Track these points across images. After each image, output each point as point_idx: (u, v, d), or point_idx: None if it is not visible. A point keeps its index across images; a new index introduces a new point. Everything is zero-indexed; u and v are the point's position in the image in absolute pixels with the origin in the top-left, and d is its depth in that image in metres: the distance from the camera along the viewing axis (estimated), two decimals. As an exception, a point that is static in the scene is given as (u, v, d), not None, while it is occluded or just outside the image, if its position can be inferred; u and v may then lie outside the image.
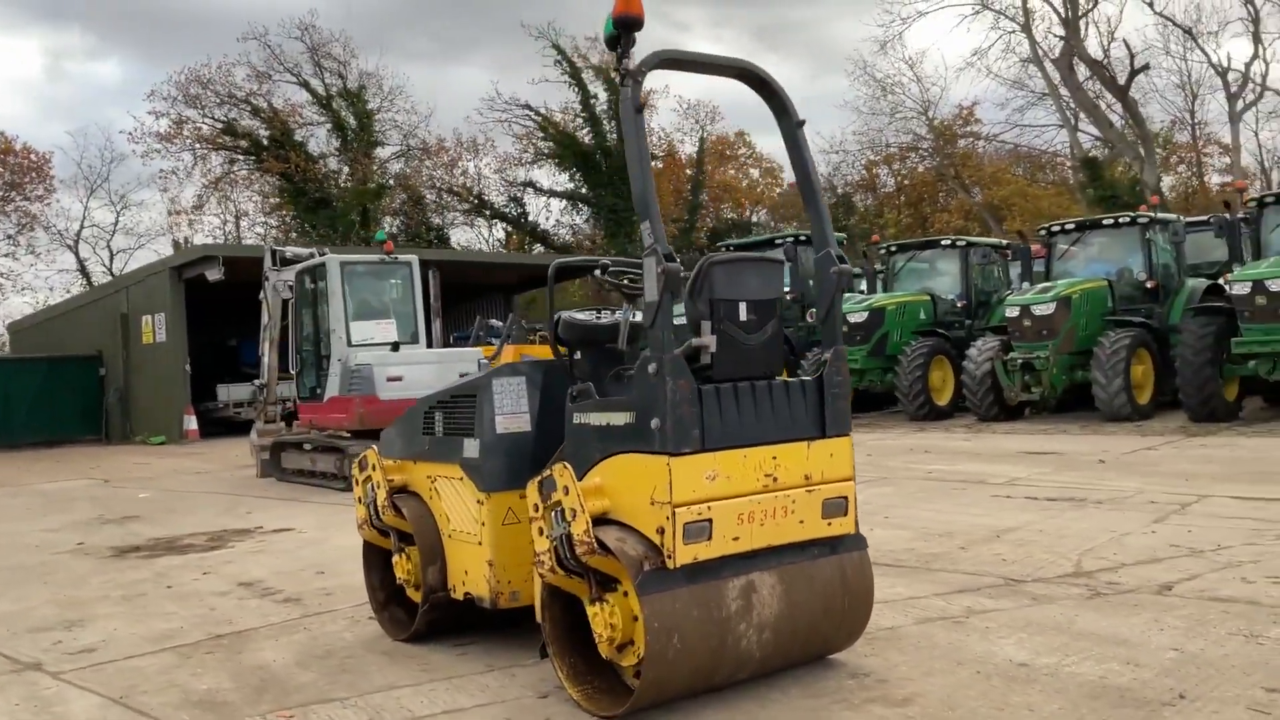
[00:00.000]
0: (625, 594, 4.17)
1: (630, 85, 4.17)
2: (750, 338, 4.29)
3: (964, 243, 17.86)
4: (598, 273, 4.96)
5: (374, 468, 5.54)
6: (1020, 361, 15.40)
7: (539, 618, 4.59)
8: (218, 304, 25.42)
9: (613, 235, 42.26)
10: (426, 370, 12.02)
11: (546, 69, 44.67)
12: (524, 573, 4.96)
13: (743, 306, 4.27)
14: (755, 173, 57.29)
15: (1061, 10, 38.35)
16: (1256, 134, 47.48)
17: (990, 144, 47.30)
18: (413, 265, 12.58)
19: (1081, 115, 41.50)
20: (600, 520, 4.17)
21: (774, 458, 4.27)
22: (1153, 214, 16.15)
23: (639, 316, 4.97)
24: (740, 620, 4.19)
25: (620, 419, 4.19)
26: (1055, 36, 39.22)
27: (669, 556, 3.98)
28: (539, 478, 4.36)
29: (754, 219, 54.13)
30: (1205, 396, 13.96)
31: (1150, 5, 40.36)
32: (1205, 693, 4.12)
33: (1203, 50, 42.41)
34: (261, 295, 14.97)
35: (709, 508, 4.06)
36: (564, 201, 46.61)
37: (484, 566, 4.95)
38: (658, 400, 4.00)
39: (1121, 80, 38.63)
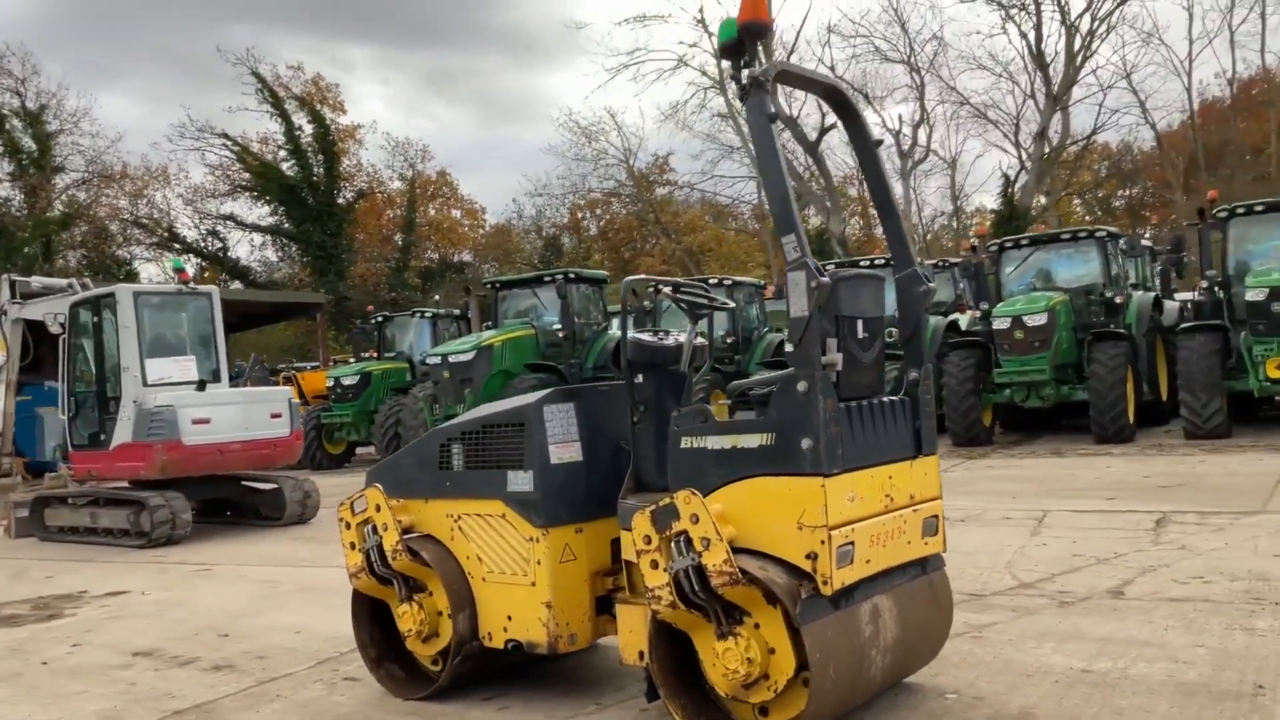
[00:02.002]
0: (757, 625, 3.97)
1: (758, 94, 4.02)
2: (865, 355, 4.23)
3: (730, 282, 18.53)
4: (667, 290, 4.75)
5: (376, 509, 4.97)
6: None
7: (637, 660, 4.31)
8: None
9: (322, 273, 40.58)
10: (233, 411, 11.02)
11: (246, 97, 42.62)
12: (581, 613, 4.64)
13: (859, 324, 4.20)
14: (457, 213, 56.98)
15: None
16: (915, 191, 52.54)
17: (690, 192, 49.57)
18: (212, 296, 11.46)
19: (772, 167, 44.25)
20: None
21: (890, 477, 4.22)
22: (735, 279, 17.78)
23: (701, 339, 4.84)
24: (871, 645, 4.10)
25: (753, 441, 3.99)
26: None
27: (825, 582, 3.83)
28: (651, 507, 4.07)
29: (457, 259, 53.64)
30: (969, 423, 15.18)
31: (831, 69, 43.78)
32: (1275, 682, 4.42)
33: (876, 111, 46.38)
34: (-4, 332, 13.18)
35: (853, 530, 3.95)
36: (266, 237, 44.39)
37: (540, 609, 4.55)
38: (809, 420, 3.84)
39: (812, 137, 41.63)
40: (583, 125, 47.78)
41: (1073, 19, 39.30)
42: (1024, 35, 40.57)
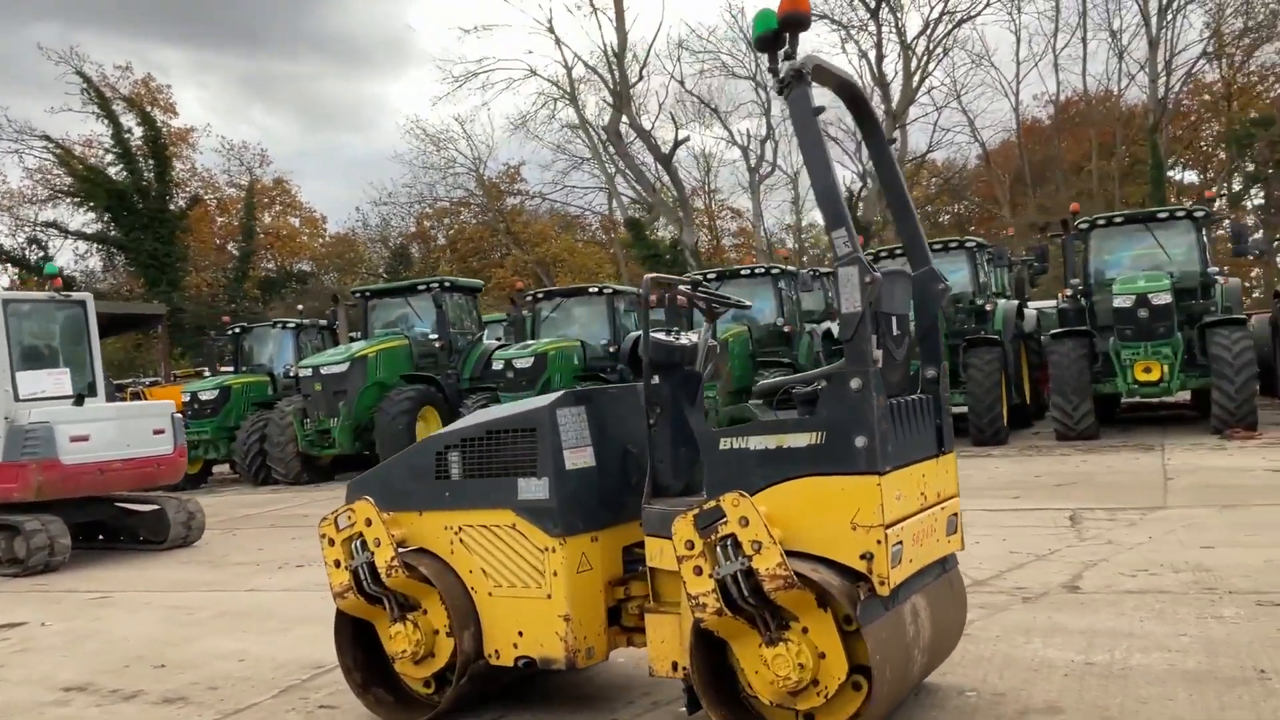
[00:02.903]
0: (805, 630, 3.86)
1: (800, 87, 3.93)
2: (898, 353, 4.19)
3: (610, 290, 18.45)
4: (684, 287, 4.62)
5: (367, 523, 4.65)
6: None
7: (670, 671, 4.18)
8: None
9: (154, 284, 38.59)
10: (113, 428, 10.27)
11: (70, 97, 40.35)
12: (597, 626, 4.47)
13: (894, 321, 4.15)
14: (296, 221, 55.21)
15: (611, 82, 40.99)
16: (759, 204, 53.65)
17: (540, 202, 49.31)
18: (86, 304, 10.65)
19: (620, 179, 44.56)
20: (780, 551, 3.83)
21: (923, 475, 4.19)
22: (614, 286, 18.26)
23: (714, 340, 4.73)
24: (914, 645, 4.06)
25: (801, 440, 3.89)
26: (606, 104, 41.82)
27: (881, 582, 3.75)
28: (694, 511, 3.92)
29: (298, 269, 51.86)
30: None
31: (681, 84, 44.30)
32: (1276, 666, 4.57)
33: (726, 127, 47.24)
34: None
35: (901, 529, 3.90)
36: (91, 245, 42.00)
37: (557, 623, 4.35)
38: (864, 417, 3.76)
39: (666, 149, 42.04)
40: (430, 133, 47.04)
41: (910, 40, 40.95)
42: (864, 55, 41.95)
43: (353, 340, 19.10)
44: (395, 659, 4.70)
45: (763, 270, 17.78)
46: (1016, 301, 17.84)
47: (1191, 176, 49.10)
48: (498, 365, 16.98)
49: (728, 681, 4.12)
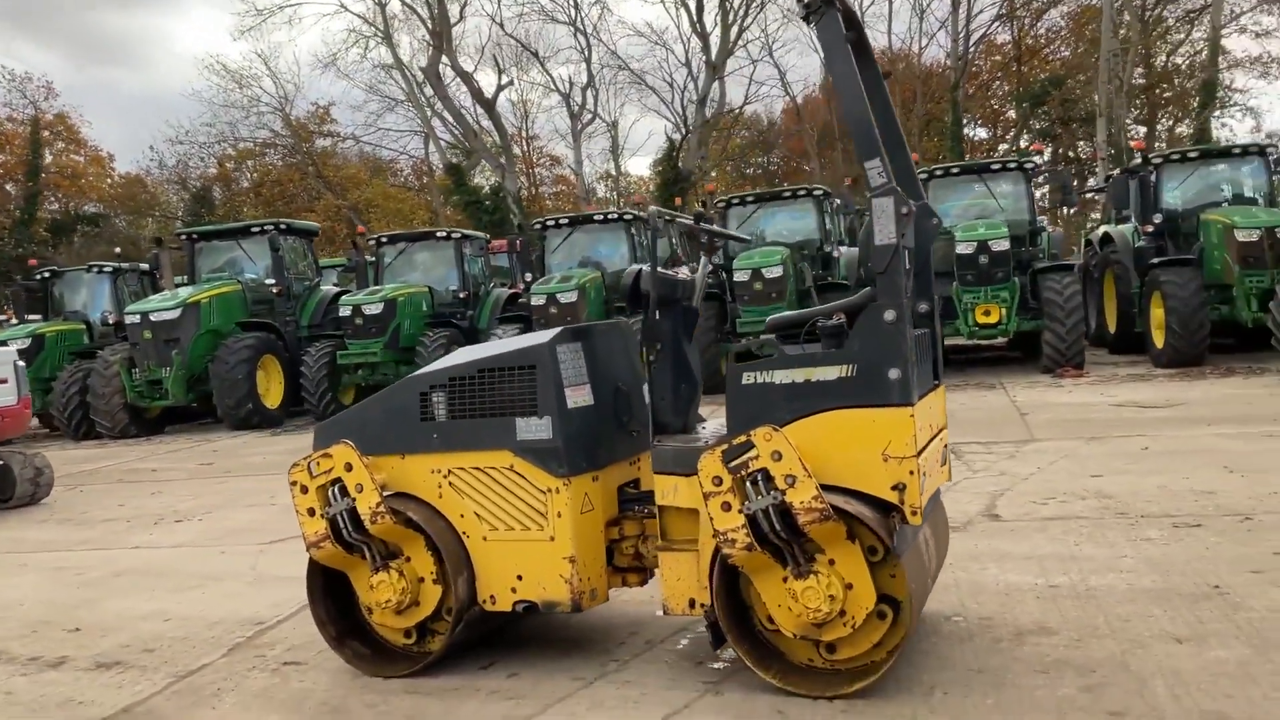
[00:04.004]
0: (831, 562, 3.87)
1: (829, 14, 3.87)
2: (908, 285, 4.21)
3: (458, 235, 17.98)
4: (689, 220, 4.51)
5: (347, 468, 4.37)
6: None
7: (687, 608, 4.14)
8: None
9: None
10: (-50, 377, 9.37)
11: None
12: (599, 567, 4.38)
13: (906, 254, 4.17)
14: (81, 160, 51.40)
15: (430, 22, 39.71)
16: (580, 152, 53.40)
17: (353, 145, 47.57)
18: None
19: (437, 123, 43.41)
20: (807, 484, 3.82)
21: (930, 407, 4.26)
22: (463, 231, 18.33)
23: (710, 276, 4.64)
24: (927, 573, 4.14)
25: (831, 373, 3.87)
26: (426, 44, 40.51)
27: (914, 512, 3.80)
28: (723, 447, 3.86)
29: (84, 211, 48.37)
30: (711, 370, 15.66)
31: (501, 26, 43.46)
32: (1226, 582, 4.87)
33: (546, 72, 46.59)
34: None
35: (924, 459, 3.95)
36: None
37: (561, 565, 4.22)
38: (897, 349, 3.78)
39: (489, 93, 41.17)
40: (230, 69, 44.56)
41: (729, -7, 41.23)
42: (684, 4, 42.03)
43: (179, 286, 18.01)
44: (374, 609, 4.47)
45: (445, 235, 17.91)
46: (855, 248, 18.37)
47: (982, 133, 51.76)
48: (345, 311, 16.36)
49: (742, 616, 4.11)
